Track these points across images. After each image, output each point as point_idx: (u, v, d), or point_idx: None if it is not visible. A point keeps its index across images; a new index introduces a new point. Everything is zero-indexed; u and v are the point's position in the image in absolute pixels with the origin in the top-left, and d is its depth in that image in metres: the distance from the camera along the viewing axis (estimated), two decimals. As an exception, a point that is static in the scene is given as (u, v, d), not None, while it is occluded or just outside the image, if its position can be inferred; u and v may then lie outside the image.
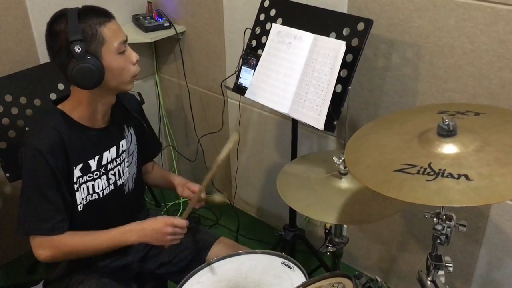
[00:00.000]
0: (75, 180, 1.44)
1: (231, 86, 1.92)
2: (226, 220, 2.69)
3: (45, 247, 1.42)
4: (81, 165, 1.45)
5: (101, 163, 1.51)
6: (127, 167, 1.61)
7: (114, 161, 1.55)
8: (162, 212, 2.69)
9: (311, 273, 2.15)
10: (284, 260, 1.52)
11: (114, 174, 1.56)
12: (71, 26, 1.31)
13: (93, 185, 1.50)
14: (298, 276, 1.45)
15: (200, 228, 1.71)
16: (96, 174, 1.50)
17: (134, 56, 1.44)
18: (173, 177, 1.74)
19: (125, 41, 1.42)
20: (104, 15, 1.38)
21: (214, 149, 2.71)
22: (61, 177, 1.39)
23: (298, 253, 2.20)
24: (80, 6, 1.38)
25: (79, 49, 1.31)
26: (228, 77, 1.95)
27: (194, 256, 1.65)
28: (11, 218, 2.30)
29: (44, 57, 1.42)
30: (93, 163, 1.49)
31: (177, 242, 1.50)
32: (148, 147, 1.75)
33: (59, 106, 1.46)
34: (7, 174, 1.78)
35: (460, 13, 1.60)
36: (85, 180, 1.48)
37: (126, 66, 1.42)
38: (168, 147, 2.94)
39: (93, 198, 1.51)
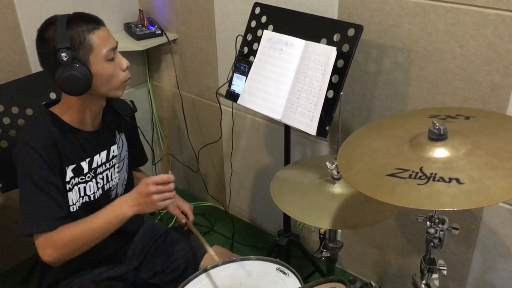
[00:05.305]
0: (67, 179, 1.44)
1: (224, 93, 1.93)
2: (220, 227, 2.69)
3: (48, 246, 1.36)
4: (73, 166, 1.46)
5: (91, 166, 1.52)
6: (117, 172, 1.61)
7: (104, 165, 1.56)
8: (156, 220, 2.68)
9: (306, 279, 2.15)
10: (279, 266, 1.52)
11: (103, 178, 1.56)
12: (58, 34, 1.33)
13: (84, 188, 1.50)
14: (293, 282, 1.45)
15: (193, 237, 1.71)
16: (88, 177, 1.51)
17: (124, 62, 1.45)
18: None
19: (115, 47, 1.43)
20: (94, 22, 1.39)
21: (208, 155, 2.71)
22: (56, 172, 1.39)
23: (293, 259, 2.20)
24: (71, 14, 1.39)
25: (65, 56, 1.32)
26: (222, 86, 1.96)
27: (187, 265, 1.65)
28: (4, 228, 2.29)
29: (35, 67, 1.42)
30: (85, 165, 1.49)
31: (169, 202, 1.41)
32: (136, 155, 1.75)
33: (50, 109, 1.47)
34: (0, 185, 1.77)
35: (449, 18, 1.61)
36: (78, 181, 1.48)
37: (115, 72, 1.43)
38: (167, 155, 2.94)
39: (85, 200, 1.51)
